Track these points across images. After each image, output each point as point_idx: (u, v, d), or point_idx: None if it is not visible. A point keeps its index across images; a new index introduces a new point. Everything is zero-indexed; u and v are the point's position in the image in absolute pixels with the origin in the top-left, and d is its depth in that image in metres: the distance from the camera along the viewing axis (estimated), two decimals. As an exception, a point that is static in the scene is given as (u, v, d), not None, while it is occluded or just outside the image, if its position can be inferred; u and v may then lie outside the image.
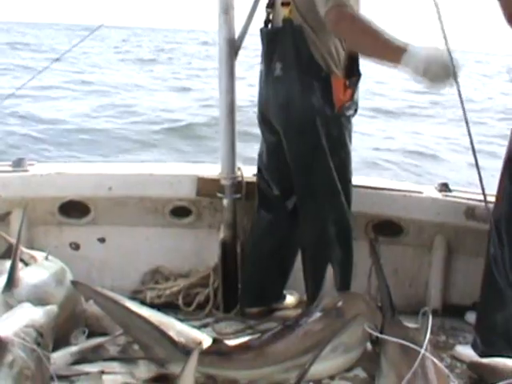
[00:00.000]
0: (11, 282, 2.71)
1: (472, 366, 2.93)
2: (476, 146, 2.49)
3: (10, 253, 2.95)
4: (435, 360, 2.38)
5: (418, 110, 20.08)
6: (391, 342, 2.57)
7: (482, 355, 2.95)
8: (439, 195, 3.61)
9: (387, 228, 3.60)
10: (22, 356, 2.18)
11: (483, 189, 2.41)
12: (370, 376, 2.72)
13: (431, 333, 2.46)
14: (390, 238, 3.61)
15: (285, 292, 3.58)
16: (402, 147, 13.77)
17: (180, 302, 3.50)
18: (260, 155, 3.40)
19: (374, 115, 17.37)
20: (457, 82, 2.44)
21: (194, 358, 2.25)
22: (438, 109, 19.46)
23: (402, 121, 18.11)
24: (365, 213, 3.52)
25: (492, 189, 2.97)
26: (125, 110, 16.35)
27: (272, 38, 3.12)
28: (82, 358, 2.71)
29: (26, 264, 3.02)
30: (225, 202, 3.48)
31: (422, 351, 2.34)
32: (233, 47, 3.32)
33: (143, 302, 3.33)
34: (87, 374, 2.62)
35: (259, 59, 3.23)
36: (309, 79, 2.97)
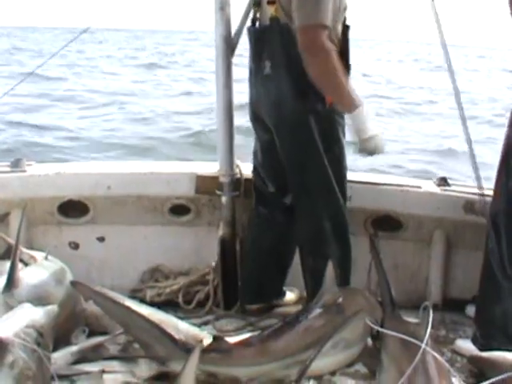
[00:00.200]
0: (11, 282, 2.71)
1: (472, 359, 2.94)
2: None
3: (9, 253, 2.95)
4: (436, 354, 2.38)
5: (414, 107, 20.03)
6: (392, 336, 2.58)
7: (481, 349, 2.96)
8: (438, 190, 3.61)
9: (386, 223, 3.60)
10: (23, 356, 2.19)
11: (480, 183, 2.41)
12: (370, 371, 2.73)
13: (432, 327, 2.46)
14: (390, 233, 3.61)
15: (285, 289, 3.58)
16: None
17: (180, 300, 3.50)
18: (255, 153, 3.40)
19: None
20: (453, 78, 2.44)
21: (194, 356, 2.25)
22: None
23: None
24: (364, 208, 3.52)
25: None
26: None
27: (260, 37, 3.12)
28: (83, 358, 2.72)
29: (26, 264, 3.02)
30: (223, 199, 3.48)
31: (423, 346, 2.34)
32: (229, 44, 3.32)
33: (143, 301, 3.33)
34: (88, 373, 2.62)
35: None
36: (298, 77, 2.95)
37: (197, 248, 3.67)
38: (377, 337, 2.81)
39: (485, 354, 2.87)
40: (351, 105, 2.90)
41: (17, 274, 2.76)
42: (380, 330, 2.72)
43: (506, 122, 2.96)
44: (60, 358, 2.61)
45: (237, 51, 3.37)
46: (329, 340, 2.63)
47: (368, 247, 3.23)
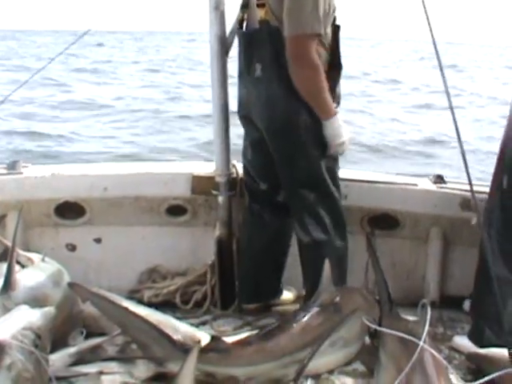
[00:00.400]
0: (8, 284, 2.71)
1: (470, 356, 2.94)
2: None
3: (6, 255, 2.95)
4: (434, 352, 2.38)
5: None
6: (390, 335, 2.58)
7: (476, 344, 2.97)
8: (434, 187, 3.62)
9: (383, 221, 3.61)
10: (21, 358, 2.19)
11: (470, 181, 2.42)
12: (368, 369, 2.73)
13: (429, 325, 2.46)
14: (386, 231, 3.62)
15: (282, 287, 3.58)
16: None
17: (177, 300, 3.50)
18: (244, 153, 3.40)
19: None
20: (442, 74, 2.43)
21: (193, 356, 2.25)
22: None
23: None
24: (360, 206, 3.53)
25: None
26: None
27: (249, 40, 3.14)
28: (81, 359, 2.71)
29: (23, 266, 3.02)
30: (220, 199, 3.48)
31: (421, 343, 2.34)
32: (224, 44, 3.32)
33: (141, 302, 3.34)
34: (86, 374, 2.62)
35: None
36: (289, 79, 2.96)
37: (194, 248, 3.67)
38: (375, 335, 2.81)
39: (482, 351, 2.87)
40: (328, 113, 3.01)
41: (14, 276, 2.76)
42: (378, 328, 2.72)
43: None
44: (58, 359, 2.61)
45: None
46: (326, 339, 2.63)
47: (365, 245, 3.24)
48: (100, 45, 45.72)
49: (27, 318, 2.41)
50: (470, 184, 2.41)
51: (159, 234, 3.66)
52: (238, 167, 3.49)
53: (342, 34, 3.08)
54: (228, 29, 3.33)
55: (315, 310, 2.80)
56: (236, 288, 3.52)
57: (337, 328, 2.69)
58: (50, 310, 2.54)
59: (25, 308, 2.51)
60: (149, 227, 3.65)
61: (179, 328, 2.78)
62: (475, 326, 3.08)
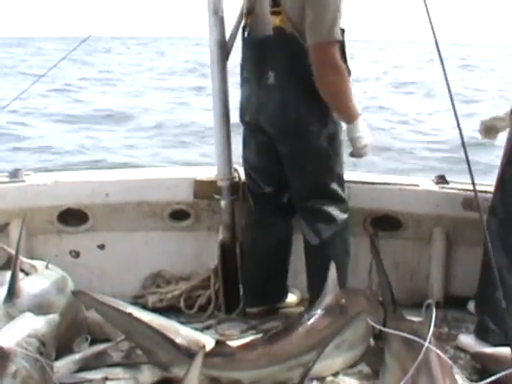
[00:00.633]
0: (12, 292, 2.72)
1: (476, 356, 2.94)
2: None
3: (10, 263, 2.96)
4: (439, 352, 2.38)
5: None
6: (394, 336, 2.57)
7: (482, 342, 2.97)
8: (436, 187, 3.62)
9: (386, 222, 3.61)
10: (25, 366, 2.20)
11: (473, 180, 2.42)
12: (374, 371, 2.73)
13: (434, 325, 2.46)
14: (389, 232, 3.62)
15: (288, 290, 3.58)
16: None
17: (182, 305, 3.50)
18: (246, 158, 3.40)
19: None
20: (445, 73, 2.43)
21: (198, 361, 2.25)
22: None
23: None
24: (362, 208, 3.53)
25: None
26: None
27: (261, 47, 3.12)
28: (86, 366, 2.70)
29: (27, 274, 3.03)
30: (222, 203, 3.48)
31: (426, 344, 2.34)
32: (224, 48, 3.32)
33: (145, 307, 3.34)
34: (91, 381, 2.61)
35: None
36: (303, 85, 3.01)
37: (197, 252, 3.67)
38: (379, 336, 2.81)
39: (488, 350, 2.87)
40: (352, 116, 3.06)
41: (18, 284, 2.77)
42: (382, 329, 2.72)
43: None
44: (63, 366, 2.60)
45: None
46: (331, 341, 2.63)
47: (368, 247, 3.24)
48: (108, 51, 45.36)
49: (32, 325, 2.41)
50: (473, 183, 2.42)
51: (162, 239, 3.67)
52: (240, 171, 3.50)
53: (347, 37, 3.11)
54: (228, 34, 3.33)
55: (320, 312, 2.80)
56: (240, 292, 3.52)
57: (341, 330, 2.69)
58: (54, 317, 2.54)
59: (29, 315, 2.51)
60: (152, 232, 3.65)
61: (184, 333, 2.77)
62: (481, 324, 3.07)
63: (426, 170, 10.14)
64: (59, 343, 2.53)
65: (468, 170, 2.36)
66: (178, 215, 3.63)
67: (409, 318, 2.83)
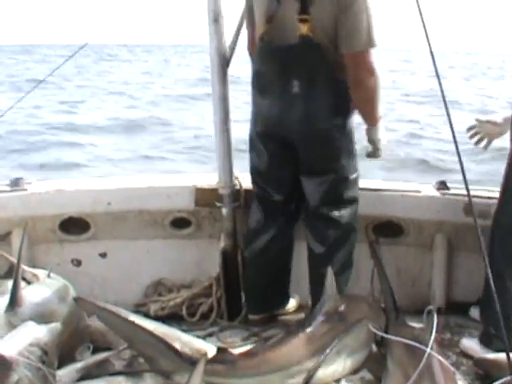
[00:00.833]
0: (14, 301, 2.71)
1: (478, 362, 2.93)
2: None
3: (11, 272, 2.95)
4: (441, 358, 2.38)
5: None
6: (396, 342, 2.57)
7: (486, 348, 2.97)
8: (437, 193, 3.62)
9: (388, 229, 3.61)
10: (28, 375, 2.20)
11: (467, 186, 2.43)
12: (376, 377, 2.72)
13: (436, 331, 2.46)
14: (391, 238, 3.62)
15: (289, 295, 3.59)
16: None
17: (184, 312, 3.50)
18: (255, 167, 3.36)
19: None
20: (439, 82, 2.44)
21: (200, 368, 2.25)
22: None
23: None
24: (364, 215, 3.52)
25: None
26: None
27: (286, 55, 3.06)
28: (88, 374, 2.70)
29: (29, 282, 3.03)
30: (224, 211, 3.49)
31: (428, 350, 2.34)
32: (224, 56, 3.33)
33: (147, 315, 3.34)
34: (93, 389, 2.62)
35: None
36: (327, 94, 3.04)
37: (199, 260, 3.67)
38: (381, 343, 2.81)
39: (490, 356, 2.87)
40: (377, 118, 3.15)
41: (19, 293, 2.76)
42: (384, 335, 2.72)
43: None
44: (65, 375, 2.60)
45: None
46: (333, 348, 2.63)
47: (370, 253, 3.23)
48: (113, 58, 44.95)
49: (34, 334, 2.42)
50: (467, 189, 2.43)
51: (164, 247, 3.67)
52: (241, 179, 3.50)
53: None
54: (228, 41, 3.34)
55: (320, 318, 2.80)
56: (242, 299, 3.51)
57: (343, 337, 2.69)
58: (56, 325, 2.55)
59: (31, 324, 2.52)
60: (153, 240, 3.66)
61: (186, 340, 2.77)
62: (485, 331, 3.07)
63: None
64: (61, 352, 2.54)
65: (462, 176, 2.37)
66: (180, 223, 3.63)
67: (411, 324, 2.83)
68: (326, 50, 2.98)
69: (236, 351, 2.70)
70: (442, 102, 2.27)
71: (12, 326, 2.54)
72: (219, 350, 2.70)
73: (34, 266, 3.25)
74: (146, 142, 14.62)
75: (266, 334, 3.29)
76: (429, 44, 2.24)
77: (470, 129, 3.27)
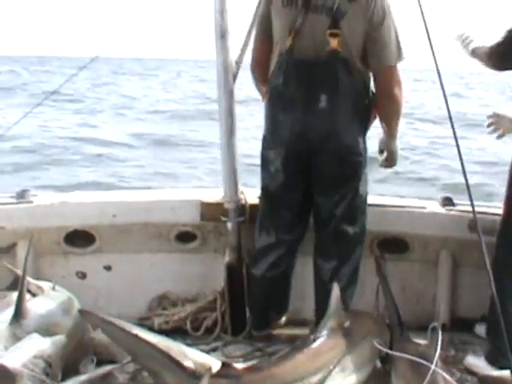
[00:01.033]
0: (19, 313, 2.72)
1: (482, 379, 2.92)
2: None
3: (16, 284, 2.96)
4: (445, 375, 2.37)
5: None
6: (401, 358, 2.57)
7: (493, 365, 2.95)
8: (443, 210, 3.61)
9: (393, 245, 3.60)
10: (32, 387, 2.19)
11: (472, 203, 2.44)
12: (380, 394, 2.71)
13: (441, 348, 2.45)
14: (396, 254, 3.61)
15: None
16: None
17: (188, 326, 3.49)
18: (267, 187, 3.33)
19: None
20: (445, 97, 2.45)
21: (204, 383, 2.24)
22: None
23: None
24: (370, 230, 3.51)
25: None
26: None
27: (314, 69, 3.06)
28: (92, 387, 2.71)
29: (33, 295, 3.03)
30: (229, 225, 3.49)
31: (433, 367, 2.34)
32: (231, 71, 3.35)
33: (151, 329, 3.32)
34: (97, 402, 2.61)
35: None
36: (353, 110, 3.09)
37: (203, 274, 3.67)
38: (386, 359, 2.80)
39: (495, 373, 2.85)
40: (397, 131, 3.27)
41: (24, 305, 2.77)
42: (389, 352, 2.71)
43: None
44: (69, 387, 2.61)
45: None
46: (337, 364, 2.62)
47: (375, 269, 3.23)
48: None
49: (38, 346, 2.42)
50: (472, 206, 2.44)
51: (169, 261, 3.67)
52: (246, 193, 3.50)
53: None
54: (234, 57, 3.36)
55: (325, 334, 2.79)
56: (246, 313, 3.51)
57: (347, 353, 2.68)
58: (60, 338, 2.55)
59: (36, 336, 2.52)
60: (158, 254, 3.65)
61: (190, 354, 2.76)
62: (491, 349, 3.06)
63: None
64: (65, 364, 2.54)
65: (467, 193, 2.38)
66: (185, 237, 3.63)
67: (415, 340, 2.82)
68: (353, 65, 3.03)
69: (240, 366, 2.69)
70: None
71: (17, 338, 2.55)
72: (223, 364, 2.68)
73: (38, 278, 3.25)
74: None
75: (270, 349, 3.28)
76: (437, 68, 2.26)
77: (489, 117, 3.30)
